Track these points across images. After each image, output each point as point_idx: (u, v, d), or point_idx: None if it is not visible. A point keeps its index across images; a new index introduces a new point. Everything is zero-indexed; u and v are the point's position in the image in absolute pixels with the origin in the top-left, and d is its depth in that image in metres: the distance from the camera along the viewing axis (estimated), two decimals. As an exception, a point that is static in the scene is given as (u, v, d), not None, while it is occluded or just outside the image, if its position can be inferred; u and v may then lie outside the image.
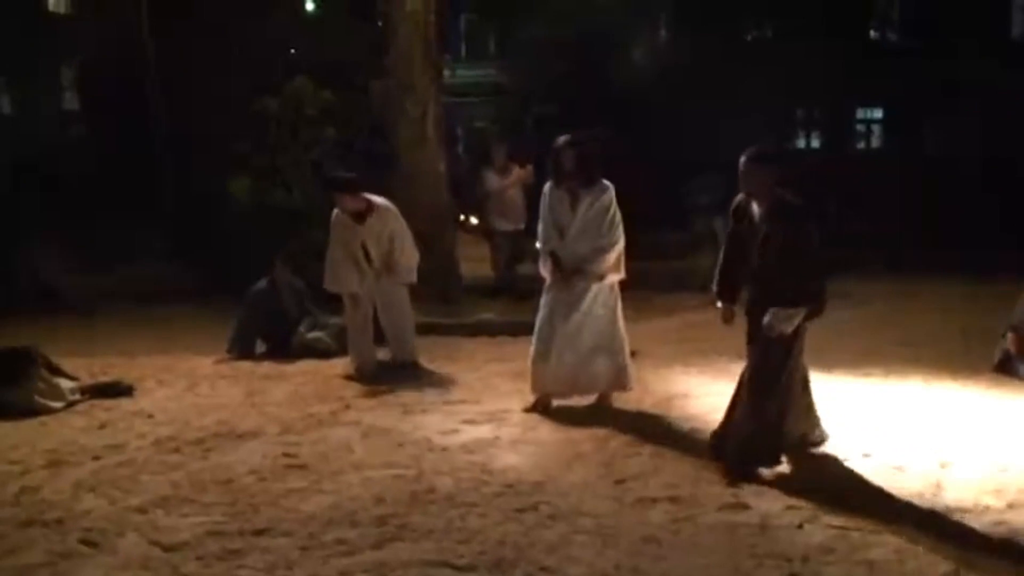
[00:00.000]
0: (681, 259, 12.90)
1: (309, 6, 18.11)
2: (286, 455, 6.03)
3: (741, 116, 16.86)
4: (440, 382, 7.98)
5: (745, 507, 5.06)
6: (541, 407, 6.91)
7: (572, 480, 5.54)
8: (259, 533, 4.80)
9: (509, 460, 5.92)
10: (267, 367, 8.61)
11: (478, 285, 12.24)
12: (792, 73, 18.10)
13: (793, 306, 5.39)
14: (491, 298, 11.69)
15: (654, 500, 5.19)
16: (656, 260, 12.78)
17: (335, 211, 8.21)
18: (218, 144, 12.86)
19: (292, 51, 14.95)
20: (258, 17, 14.20)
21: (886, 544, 4.57)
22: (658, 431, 6.49)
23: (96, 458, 6.03)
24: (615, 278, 6.90)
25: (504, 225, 12.16)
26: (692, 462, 5.75)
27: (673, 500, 5.18)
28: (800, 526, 4.79)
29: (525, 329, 7.52)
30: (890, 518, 4.89)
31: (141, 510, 5.13)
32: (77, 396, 7.38)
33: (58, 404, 7.19)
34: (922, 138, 21.00)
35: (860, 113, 24.30)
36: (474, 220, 14.68)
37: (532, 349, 6.97)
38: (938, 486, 5.38)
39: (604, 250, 6.76)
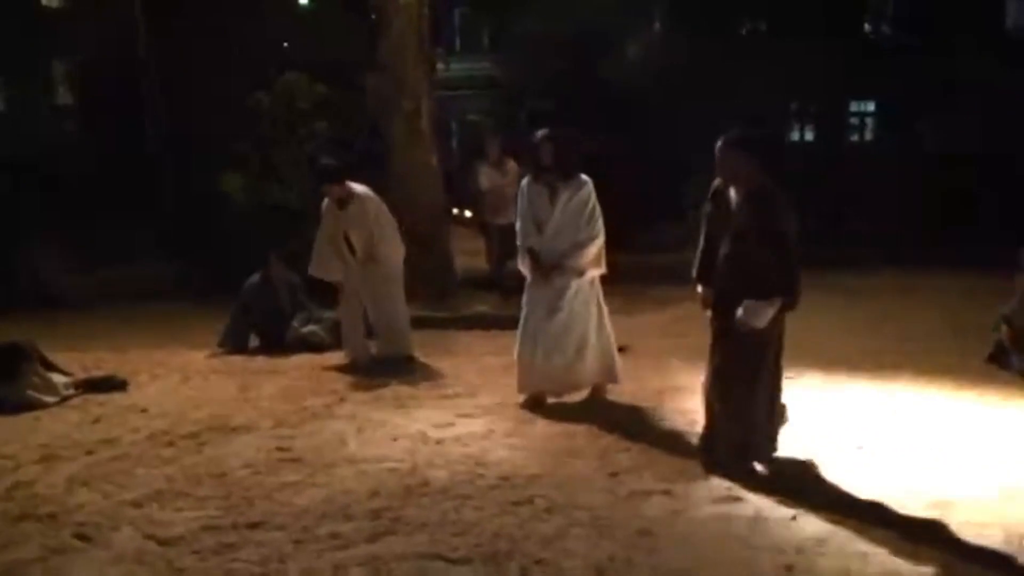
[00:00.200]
0: (678, 253, 12.90)
1: (303, 0, 18.08)
2: (280, 449, 6.03)
3: (737, 111, 16.87)
4: (435, 375, 7.98)
5: (739, 499, 5.06)
6: (535, 402, 6.90)
7: (567, 473, 5.55)
8: (253, 527, 4.80)
9: (504, 453, 5.92)
10: (261, 361, 8.61)
11: (473, 278, 12.24)
12: (787, 68, 18.08)
13: (766, 298, 5.26)
14: (486, 291, 11.69)
15: (648, 493, 5.19)
16: (653, 254, 12.79)
17: (325, 200, 8.38)
18: (215, 142, 12.85)
19: (286, 46, 14.92)
20: (255, 14, 14.17)
21: (879, 536, 4.58)
22: (652, 424, 6.50)
23: (90, 452, 6.03)
24: (595, 273, 6.88)
25: (498, 219, 12.15)
26: (686, 455, 5.75)
27: (667, 493, 5.18)
28: (794, 518, 4.80)
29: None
30: (883, 511, 4.90)
31: (135, 504, 5.14)
32: (71, 391, 7.38)
33: (52, 399, 7.19)
34: (916, 132, 21.00)
35: (854, 107, 24.31)
36: (468, 214, 14.68)
37: (517, 348, 6.97)
38: (932, 479, 5.39)
39: (583, 245, 6.74)
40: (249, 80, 12.63)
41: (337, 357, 8.55)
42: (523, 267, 6.94)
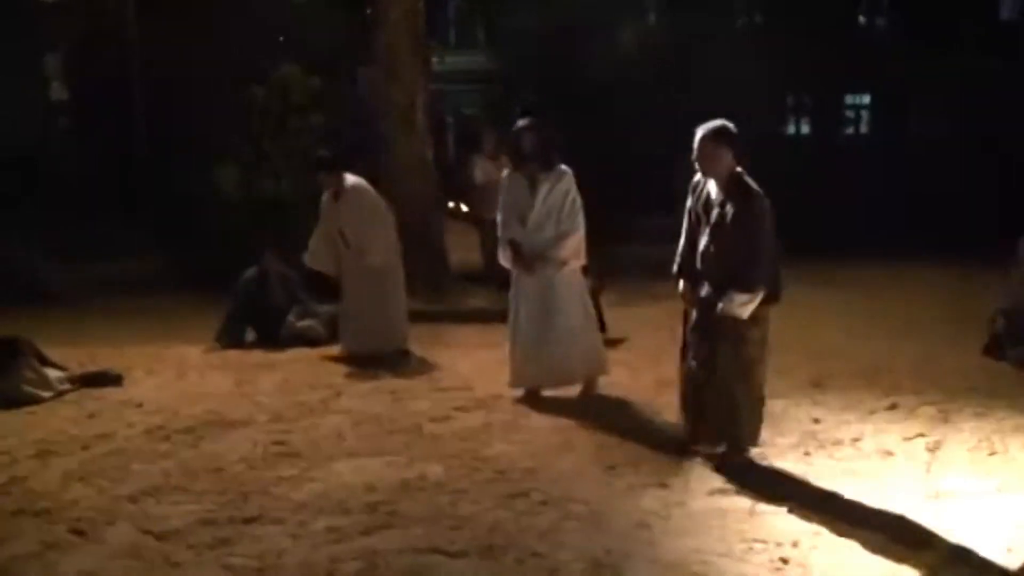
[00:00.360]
0: (673, 244, 12.89)
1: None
2: (276, 443, 6.03)
3: (731, 103, 16.86)
4: (430, 369, 7.98)
5: (734, 492, 5.07)
6: (531, 396, 6.90)
7: (563, 466, 5.55)
8: (250, 521, 4.80)
9: (500, 447, 5.92)
10: (257, 356, 8.60)
11: (467, 272, 12.23)
12: (782, 61, 18.07)
13: (747, 290, 5.23)
14: (481, 285, 11.68)
15: (644, 486, 5.20)
16: (645, 246, 12.77)
17: (325, 192, 8.48)
18: (208, 135, 12.81)
19: (280, 39, 14.89)
20: (248, 7, 14.13)
21: (875, 529, 4.59)
22: (648, 418, 6.50)
23: (85, 447, 6.02)
24: (576, 264, 6.87)
25: (493, 213, 12.11)
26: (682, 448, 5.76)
27: (663, 486, 5.19)
28: (789, 511, 4.81)
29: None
30: (879, 503, 4.91)
31: (131, 499, 5.13)
32: (66, 386, 7.36)
33: (46, 394, 7.17)
34: (910, 124, 21.03)
35: (849, 99, 24.32)
36: (464, 208, 14.65)
37: (508, 344, 6.97)
38: (927, 471, 5.41)
39: (565, 236, 6.73)
40: (242, 73, 12.60)
41: (333, 351, 8.55)
42: (504, 260, 6.93)
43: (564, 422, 6.37)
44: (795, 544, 4.43)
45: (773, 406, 6.57)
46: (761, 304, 5.28)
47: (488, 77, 21.37)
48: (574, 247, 6.79)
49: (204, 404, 6.97)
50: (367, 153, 11.47)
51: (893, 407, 6.63)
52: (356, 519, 4.80)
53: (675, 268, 5.71)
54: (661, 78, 16.98)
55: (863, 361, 7.94)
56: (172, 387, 7.58)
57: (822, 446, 5.84)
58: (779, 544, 4.43)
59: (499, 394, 7.01)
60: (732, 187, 5.34)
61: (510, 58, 19.54)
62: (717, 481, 5.24)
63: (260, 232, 10.47)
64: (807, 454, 5.70)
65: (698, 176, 5.55)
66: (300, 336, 8.93)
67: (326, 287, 8.84)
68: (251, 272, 9.18)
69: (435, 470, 5.50)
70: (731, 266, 5.27)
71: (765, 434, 5.92)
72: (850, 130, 24.49)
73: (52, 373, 7.40)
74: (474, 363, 8.04)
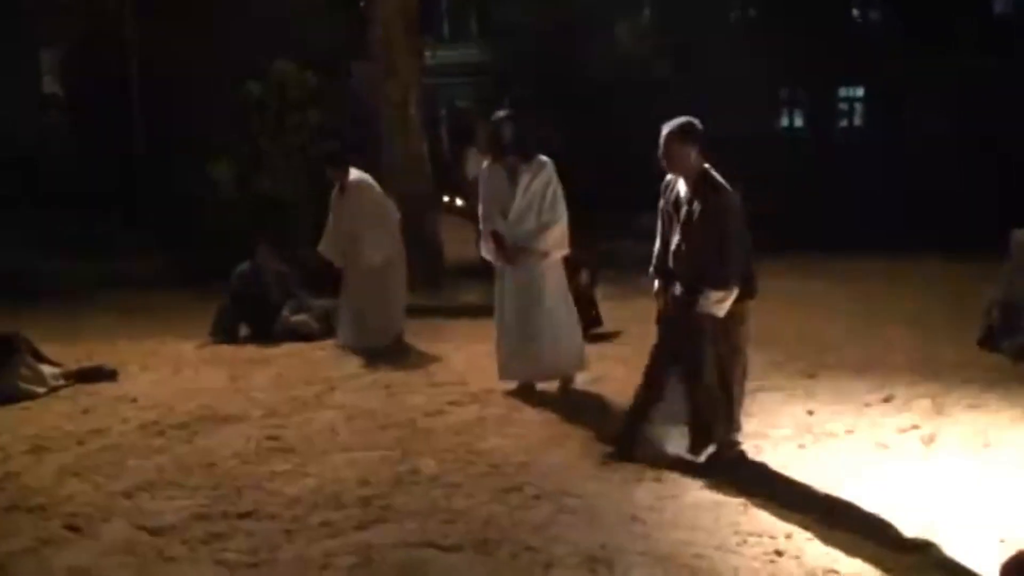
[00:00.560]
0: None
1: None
2: (270, 438, 6.02)
3: (725, 97, 16.87)
4: (425, 363, 7.98)
5: (728, 485, 5.07)
6: (524, 389, 6.90)
7: (557, 460, 5.55)
8: (244, 516, 4.80)
9: (494, 441, 5.92)
10: (251, 351, 8.59)
11: (462, 267, 12.22)
12: (775, 53, 18.09)
13: (721, 288, 5.20)
14: (475, 279, 11.66)
15: (638, 479, 5.20)
16: (642, 241, 12.76)
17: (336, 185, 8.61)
18: (203, 131, 12.79)
19: (280, 37, 14.85)
20: (243, 2, 14.11)
21: (869, 521, 4.60)
22: (642, 411, 6.49)
23: (80, 443, 6.01)
24: (559, 254, 6.85)
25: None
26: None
27: (657, 480, 5.19)
28: (783, 504, 4.81)
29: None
30: (873, 495, 4.92)
31: (126, 494, 5.12)
32: (60, 381, 7.35)
33: (41, 389, 7.16)
34: (904, 116, 21.04)
35: (842, 92, 24.32)
36: (458, 201, 14.65)
37: (495, 338, 6.97)
38: (921, 463, 5.42)
39: (547, 227, 6.71)
40: (241, 72, 12.58)
41: (327, 346, 8.55)
42: (487, 253, 6.92)
43: (558, 416, 6.37)
44: (789, 536, 4.44)
45: (767, 398, 6.62)
46: (737, 301, 5.26)
47: (482, 70, 21.37)
48: (557, 238, 6.77)
49: (198, 399, 6.96)
50: (366, 151, 11.46)
51: (888, 399, 6.64)
52: (350, 513, 4.80)
53: (651, 268, 5.69)
54: (654, 73, 16.99)
55: (858, 353, 7.95)
56: (167, 382, 7.58)
57: (816, 438, 5.85)
58: (773, 537, 4.44)
59: (493, 388, 7.01)
60: (700, 184, 5.34)
61: (504, 51, 19.54)
62: (710, 474, 5.24)
63: (255, 227, 10.47)
64: (801, 446, 5.71)
65: (669, 175, 5.54)
66: (294, 331, 8.93)
67: (322, 282, 8.84)
68: (243, 267, 9.17)
69: (429, 464, 5.50)
70: (702, 264, 5.26)
71: (760, 426, 5.96)
72: (844, 123, 24.50)
73: (47, 369, 7.39)
74: (468, 357, 8.04)
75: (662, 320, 5.58)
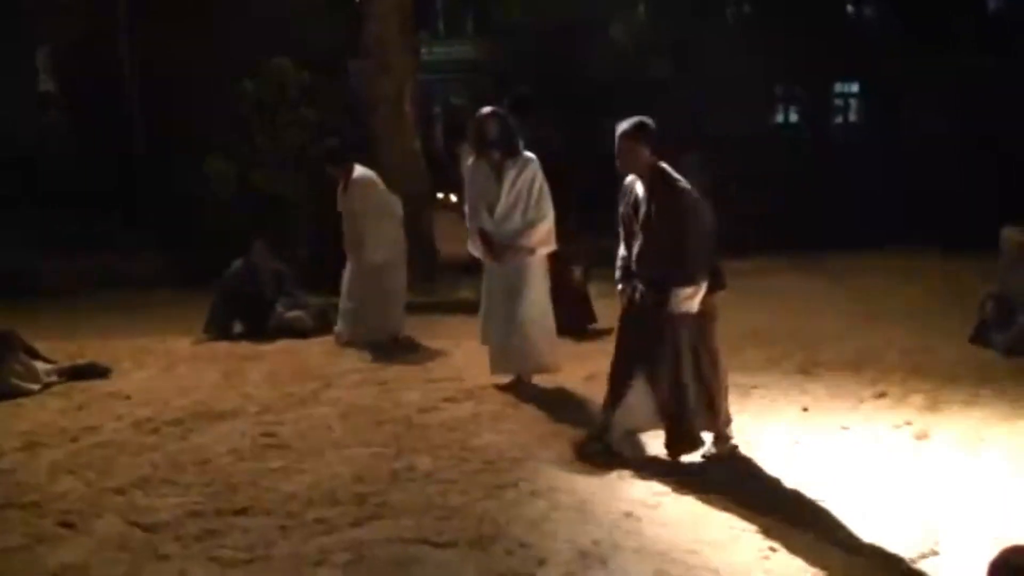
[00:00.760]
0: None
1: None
2: (265, 435, 6.02)
3: (722, 94, 16.88)
4: (419, 360, 7.98)
5: (722, 482, 5.07)
6: (519, 385, 6.90)
7: (551, 456, 5.55)
8: (238, 513, 4.79)
9: (488, 437, 5.92)
10: (245, 347, 8.58)
11: (456, 263, 12.21)
12: (772, 51, 18.08)
13: (687, 284, 5.17)
14: (470, 276, 11.66)
15: (632, 476, 5.20)
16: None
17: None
18: (199, 128, 12.76)
19: (271, 32, 14.82)
20: (245, 3, 14.08)
21: (864, 517, 4.61)
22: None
23: (73, 440, 6.00)
24: (545, 251, 6.85)
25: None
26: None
27: (651, 476, 5.18)
28: (777, 500, 4.82)
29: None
30: (867, 491, 4.93)
31: (119, 491, 5.11)
32: (53, 378, 7.34)
33: (35, 387, 7.15)
34: (900, 111, 21.04)
35: (838, 88, 24.32)
36: (453, 198, 14.64)
37: (481, 332, 6.98)
38: (915, 459, 5.43)
39: (534, 224, 6.71)
40: (238, 68, 12.55)
41: (322, 342, 8.54)
42: (475, 249, 6.91)
43: (552, 412, 6.37)
44: (782, 533, 4.44)
45: (762, 395, 6.63)
46: (707, 295, 5.26)
47: (477, 67, 21.34)
48: (543, 235, 6.76)
49: (192, 396, 6.95)
50: (367, 149, 11.45)
51: (882, 395, 6.65)
52: (345, 510, 4.80)
53: (617, 275, 5.62)
54: (651, 70, 16.97)
55: (852, 350, 7.95)
56: (160, 379, 7.57)
57: (810, 434, 5.85)
58: (767, 533, 4.44)
59: (487, 384, 7.01)
60: (656, 183, 5.33)
61: (499, 48, 19.51)
62: (704, 471, 5.25)
63: (250, 223, 10.45)
64: (796, 443, 5.71)
65: (627, 179, 5.52)
66: (288, 327, 8.92)
67: (318, 280, 8.83)
68: (237, 263, 9.16)
69: (424, 461, 5.50)
70: (663, 262, 5.24)
71: (754, 423, 5.96)
72: (839, 119, 24.50)
73: (40, 366, 7.38)
74: (463, 354, 8.04)
75: (623, 321, 5.55)
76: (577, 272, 8.52)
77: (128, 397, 6.99)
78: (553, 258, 7.06)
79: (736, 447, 5.52)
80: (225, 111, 12.29)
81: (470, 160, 6.98)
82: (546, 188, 6.75)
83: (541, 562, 4.21)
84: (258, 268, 9.13)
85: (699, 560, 4.21)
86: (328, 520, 4.68)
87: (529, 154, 6.77)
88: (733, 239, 12.69)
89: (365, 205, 8.40)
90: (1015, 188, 12.75)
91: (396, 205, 8.69)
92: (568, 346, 7.63)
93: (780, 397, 6.62)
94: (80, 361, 7.77)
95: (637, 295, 5.40)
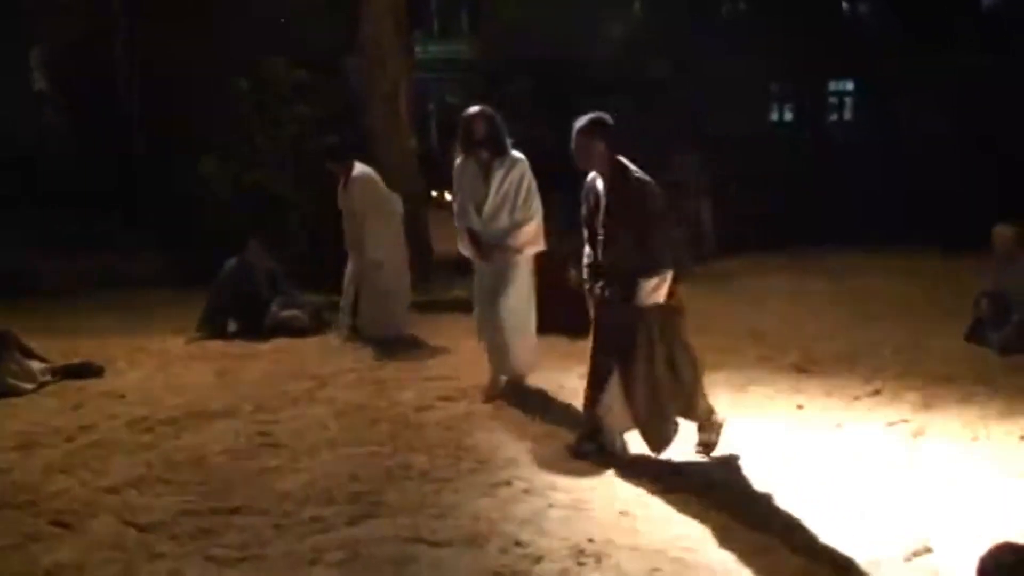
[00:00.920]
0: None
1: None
2: (260, 434, 6.01)
3: (720, 94, 16.89)
4: (415, 359, 7.97)
5: (716, 480, 5.08)
6: (513, 384, 6.89)
7: (546, 455, 5.55)
8: (233, 512, 4.79)
9: (483, 436, 5.92)
10: (239, 346, 8.57)
11: (451, 262, 12.20)
12: (767, 48, 18.08)
13: (652, 275, 5.17)
14: (464, 275, 11.65)
15: (627, 474, 5.20)
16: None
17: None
18: (195, 127, 12.75)
19: (267, 31, 14.81)
20: (245, 3, 14.08)
21: (858, 513, 4.62)
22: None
23: (68, 439, 5.99)
24: (533, 250, 6.81)
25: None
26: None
27: (645, 474, 5.18)
28: (771, 497, 4.83)
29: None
30: (862, 488, 4.93)
31: (114, 490, 5.11)
32: (48, 377, 7.33)
33: (30, 386, 7.14)
34: (894, 108, 21.06)
35: (832, 85, 24.34)
36: (448, 196, 14.62)
37: (476, 332, 6.98)
38: (910, 456, 5.43)
39: (522, 223, 6.67)
40: (237, 68, 12.53)
41: (317, 341, 8.53)
42: (464, 249, 6.89)
43: (546, 410, 6.37)
44: (777, 530, 4.45)
45: (758, 392, 6.64)
46: (673, 284, 5.26)
47: (472, 66, 21.32)
48: (530, 235, 6.72)
49: (187, 395, 6.95)
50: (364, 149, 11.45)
51: (877, 393, 6.66)
52: (340, 509, 4.80)
53: (584, 274, 5.64)
54: (647, 68, 16.97)
55: (847, 347, 7.96)
56: (155, 378, 7.56)
57: (806, 432, 5.86)
58: (762, 530, 4.45)
59: (482, 383, 6.99)
60: (615, 178, 5.34)
61: (493, 47, 19.49)
62: (699, 468, 5.25)
63: (246, 222, 10.44)
64: (791, 440, 5.72)
65: (588, 178, 5.53)
66: (284, 326, 8.91)
67: (318, 278, 8.82)
68: (232, 262, 9.14)
69: (419, 459, 5.50)
70: (627, 255, 5.25)
71: (749, 420, 5.96)
72: (834, 116, 24.52)
73: (34, 365, 7.37)
74: (458, 352, 8.04)
75: (596, 321, 5.55)
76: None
77: (123, 396, 6.98)
78: (548, 258, 7.05)
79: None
80: (225, 111, 12.27)
81: (458, 159, 6.95)
82: (535, 188, 6.72)
83: (536, 560, 4.21)
84: (253, 267, 9.11)
85: (693, 557, 4.21)
86: (323, 519, 4.67)
87: (518, 154, 6.74)
88: (733, 238, 12.78)
89: (365, 203, 8.40)
90: (1014, 187, 12.77)
91: (396, 203, 8.70)
92: (563, 345, 7.63)
93: (775, 395, 6.63)
94: (74, 360, 7.75)
95: (606, 293, 5.40)
